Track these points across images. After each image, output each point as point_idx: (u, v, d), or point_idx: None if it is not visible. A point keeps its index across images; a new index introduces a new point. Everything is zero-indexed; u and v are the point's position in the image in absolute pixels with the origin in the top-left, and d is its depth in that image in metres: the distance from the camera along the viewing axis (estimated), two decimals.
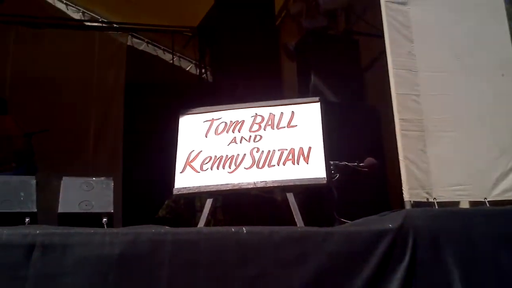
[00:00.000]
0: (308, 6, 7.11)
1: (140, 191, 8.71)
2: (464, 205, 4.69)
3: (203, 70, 9.88)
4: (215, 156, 4.57)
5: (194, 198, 7.35)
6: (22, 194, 4.18)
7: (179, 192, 4.51)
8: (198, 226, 4.30)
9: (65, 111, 8.74)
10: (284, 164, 4.46)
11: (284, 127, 4.66)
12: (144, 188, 8.83)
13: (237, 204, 6.06)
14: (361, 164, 4.67)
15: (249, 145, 4.58)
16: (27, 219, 4.07)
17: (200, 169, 4.54)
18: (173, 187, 4.63)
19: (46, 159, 7.72)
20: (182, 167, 4.57)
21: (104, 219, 4.11)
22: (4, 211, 4.09)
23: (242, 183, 4.41)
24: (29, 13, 9.22)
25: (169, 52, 10.39)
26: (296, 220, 4.23)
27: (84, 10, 10.35)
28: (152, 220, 8.70)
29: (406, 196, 4.37)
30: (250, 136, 4.62)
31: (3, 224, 3.81)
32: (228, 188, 4.40)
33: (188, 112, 4.88)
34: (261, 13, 7.62)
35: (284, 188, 4.42)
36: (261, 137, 4.61)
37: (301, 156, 4.46)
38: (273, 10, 7.77)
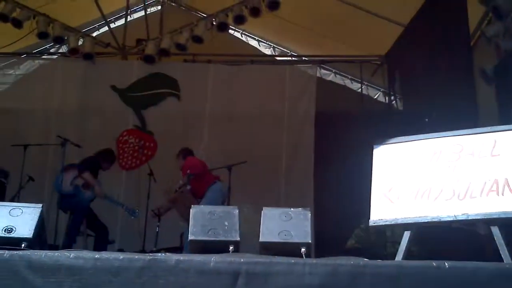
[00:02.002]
0: (506, 27, 6.69)
1: (329, 220, 8.75)
2: None
3: (392, 98, 9.73)
4: (412, 187, 4.44)
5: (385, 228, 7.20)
6: (226, 223, 4.43)
7: (375, 224, 4.44)
8: (396, 259, 4.20)
9: (258, 142, 9.17)
10: (487, 195, 4.19)
11: (486, 156, 4.38)
12: (333, 217, 8.86)
13: (434, 236, 5.81)
14: None
15: (448, 176, 4.39)
16: (231, 247, 4.29)
17: (397, 200, 4.44)
18: (368, 218, 4.57)
19: (241, 190, 8.13)
20: (378, 198, 4.50)
21: (303, 249, 4.18)
22: (210, 239, 4.36)
23: (442, 215, 4.23)
24: (226, 51, 9.89)
25: (356, 81, 10.42)
26: (502, 255, 3.94)
27: (275, 46, 10.86)
28: (342, 249, 8.70)
29: None
30: (449, 166, 4.42)
31: (210, 252, 4.05)
32: (427, 221, 4.25)
33: (382, 142, 4.80)
34: (454, 38, 7.33)
35: (488, 221, 4.16)
36: (461, 167, 4.39)
37: (506, 186, 4.16)
38: (467, 33, 7.43)
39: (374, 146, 4.84)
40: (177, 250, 6.92)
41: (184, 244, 7.08)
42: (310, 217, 4.43)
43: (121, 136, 9.52)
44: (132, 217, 7.49)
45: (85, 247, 6.96)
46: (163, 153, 9.02)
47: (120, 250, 7.06)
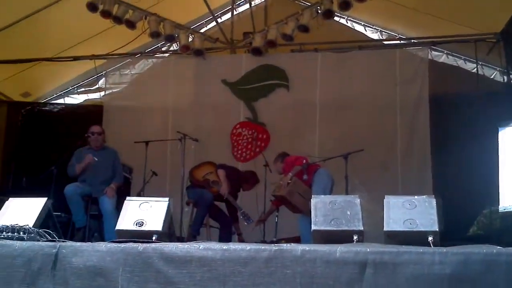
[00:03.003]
0: None
1: (449, 207, 8.48)
2: None
3: (511, 77, 9.24)
4: None
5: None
6: (348, 212, 4.42)
7: (506, 210, 4.27)
8: None
9: (371, 129, 9.06)
10: None
11: None
12: (452, 204, 8.56)
13: None
14: None
15: None
16: (355, 237, 4.28)
17: None
18: (493, 204, 4.41)
19: (356, 178, 8.05)
20: (509, 183, 4.31)
21: (430, 238, 4.09)
22: (333, 229, 4.37)
23: None
24: (332, 39, 9.83)
25: (470, 62, 10.01)
26: None
27: (382, 30, 10.66)
28: (464, 237, 8.40)
29: None
30: None
31: (333, 242, 4.07)
32: None
33: (509, 124, 4.59)
34: None
35: None
36: None
37: None
38: None
39: (499, 128, 4.65)
40: (297, 240, 6.98)
41: (301, 234, 7.13)
42: (435, 204, 4.32)
43: (234, 128, 9.73)
44: (246, 224, 7.60)
45: (208, 239, 7.18)
46: (276, 143, 9.15)
47: (241, 241, 7.24)
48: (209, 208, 7.45)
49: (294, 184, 7.00)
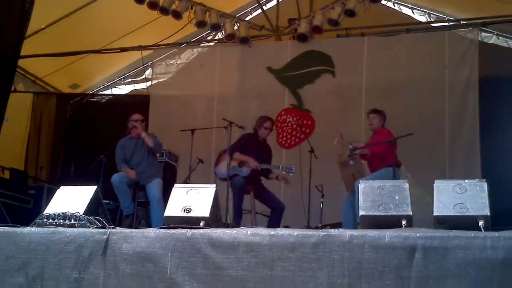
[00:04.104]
0: None
1: (498, 190, 8.25)
2: None
3: None
4: None
5: None
6: (396, 197, 4.36)
7: None
8: None
9: (419, 113, 8.90)
10: None
11: None
12: (502, 187, 8.34)
13: None
14: None
15: None
16: (403, 222, 4.22)
17: None
18: None
19: (403, 162, 7.91)
20: None
21: (481, 222, 3.99)
22: (382, 214, 4.32)
23: None
24: (379, 23, 9.67)
25: None
26: None
27: (430, 12, 10.45)
28: None
29: None
30: None
31: (381, 227, 4.01)
32: None
33: None
34: None
35: None
36: None
37: None
38: None
39: None
40: (342, 225, 6.91)
41: (343, 216, 7.06)
42: (486, 188, 4.21)
43: (279, 115, 9.70)
44: (291, 174, 7.51)
45: (254, 225, 7.18)
46: (322, 130, 9.08)
47: (286, 227, 7.20)
48: (242, 192, 7.36)
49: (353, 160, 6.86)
